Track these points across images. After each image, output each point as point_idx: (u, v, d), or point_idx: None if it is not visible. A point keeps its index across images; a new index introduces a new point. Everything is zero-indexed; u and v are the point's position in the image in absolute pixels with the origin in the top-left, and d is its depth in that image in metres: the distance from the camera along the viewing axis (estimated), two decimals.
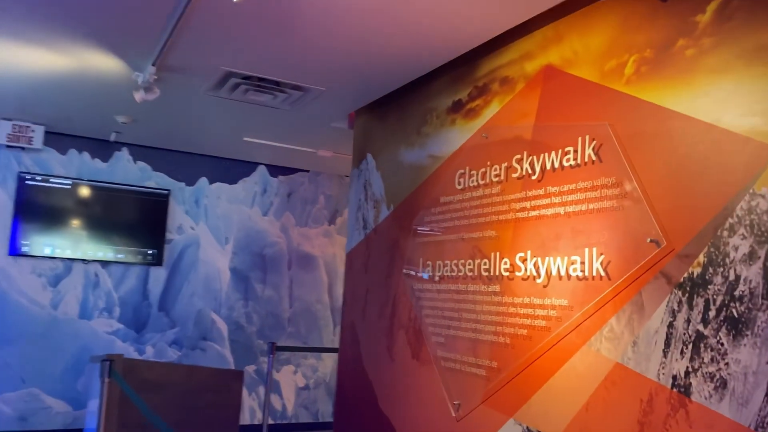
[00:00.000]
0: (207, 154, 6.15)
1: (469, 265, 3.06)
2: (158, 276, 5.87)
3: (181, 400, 4.63)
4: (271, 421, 6.17)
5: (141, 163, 5.88)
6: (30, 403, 5.29)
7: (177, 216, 5.99)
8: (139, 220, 5.74)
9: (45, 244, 5.37)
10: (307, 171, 6.62)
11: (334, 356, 6.46)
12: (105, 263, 5.65)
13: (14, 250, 5.27)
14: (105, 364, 3.33)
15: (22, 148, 5.32)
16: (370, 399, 3.84)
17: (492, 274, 2.90)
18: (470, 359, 2.98)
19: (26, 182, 5.35)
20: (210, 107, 4.44)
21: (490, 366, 2.84)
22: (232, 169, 6.27)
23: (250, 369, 6.16)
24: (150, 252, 5.76)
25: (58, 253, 5.41)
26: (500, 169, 2.93)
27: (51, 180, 5.45)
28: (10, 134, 5.05)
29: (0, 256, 5.28)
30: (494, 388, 2.79)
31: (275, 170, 6.46)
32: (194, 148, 5.99)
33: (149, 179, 5.89)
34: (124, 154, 5.82)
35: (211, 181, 6.17)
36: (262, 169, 6.41)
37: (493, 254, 2.91)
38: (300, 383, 6.38)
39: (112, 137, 5.45)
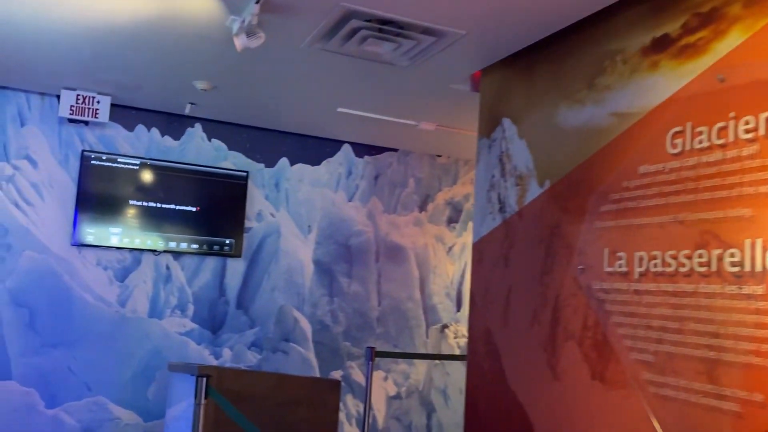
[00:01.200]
0: (288, 131, 5.42)
1: (699, 257, 2.22)
2: (236, 269, 5.18)
3: (272, 416, 3.93)
4: None
5: (216, 142, 5.19)
6: (96, 413, 4.66)
7: (256, 201, 5.28)
8: (214, 205, 5.05)
9: (111, 232, 4.72)
10: (396, 150, 5.84)
11: (427, 362, 5.68)
12: (177, 254, 4.98)
13: (77, 240, 4.64)
14: (201, 381, 2.62)
15: (86, 123, 4.67)
16: (521, 427, 3.05)
17: (745, 270, 2.06)
18: (704, 387, 2.15)
19: (91, 162, 4.71)
20: (308, 67, 3.69)
21: (747, 399, 2.00)
22: (314, 149, 5.53)
23: (336, 375, 5.44)
24: (227, 242, 5.07)
25: (126, 243, 4.76)
26: (755, 121, 2.08)
27: (118, 160, 4.79)
28: (73, 106, 4.40)
29: (62, 246, 4.66)
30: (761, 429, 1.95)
31: (361, 149, 5.70)
32: (274, 124, 5.27)
33: (224, 159, 5.20)
34: (197, 131, 5.13)
35: (293, 162, 5.44)
36: (346, 148, 5.65)
37: (747, 242, 2.07)
38: (391, 391, 5.63)
39: (187, 110, 4.75)
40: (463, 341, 5.94)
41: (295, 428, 4.05)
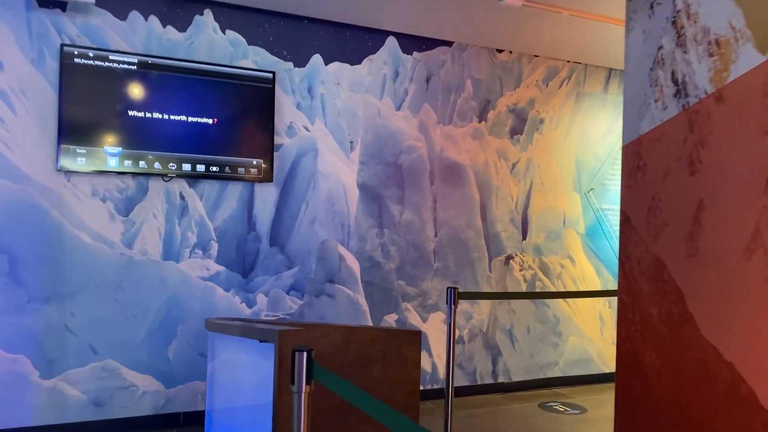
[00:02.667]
0: (320, 19, 4.29)
1: None
2: (267, 196, 4.15)
3: (342, 376, 3.00)
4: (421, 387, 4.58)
5: (231, 34, 4.05)
6: (106, 380, 3.71)
7: (286, 111, 4.21)
8: (235, 117, 3.97)
9: (108, 152, 3.64)
10: (449, 44, 4.76)
11: (489, 301, 4.79)
12: (193, 179, 3.93)
13: (64, 164, 3.56)
14: (300, 357, 1.64)
15: (62, 7, 3.51)
16: (731, 392, 2.15)
17: None
18: None
19: (74, 61, 3.57)
20: None
21: None
22: (353, 43, 4.42)
23: (390, 319, 4.53)
24: (254, 163, 4.02)
25: (128, 167, 3.69)
26: None
27: (110, 58, 3.66)
28: None
29: (45, 172, 3.58)
30: None
31: (408, 43, 4.61)
32: (303, 10, 4.14)
33: (243, 57, 4.08)
34: (206, 19, 3.98)
35: (328, 60, 4.34)
36: (391, 42, 4.55)
37: None
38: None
39: None
40: (530, 273, 5.05)
41: (372, 391, 3.17)
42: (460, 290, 4.57)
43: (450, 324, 3.55)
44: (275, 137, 4.13)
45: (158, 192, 3.85)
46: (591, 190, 5.34)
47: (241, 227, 4.08)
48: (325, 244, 4.31)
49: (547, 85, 5.14)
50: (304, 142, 4.26)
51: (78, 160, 3.57)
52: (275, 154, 4.14)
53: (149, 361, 3.81)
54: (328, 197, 4.33)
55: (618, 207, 5.47)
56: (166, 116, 3.78)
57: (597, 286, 5.36)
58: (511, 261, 4.99)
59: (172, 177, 3.85)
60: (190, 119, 3.84)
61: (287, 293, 4.19)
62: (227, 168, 3.94)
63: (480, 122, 4.87)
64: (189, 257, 3.92)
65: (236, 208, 4.07)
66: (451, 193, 4.76)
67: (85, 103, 3.58)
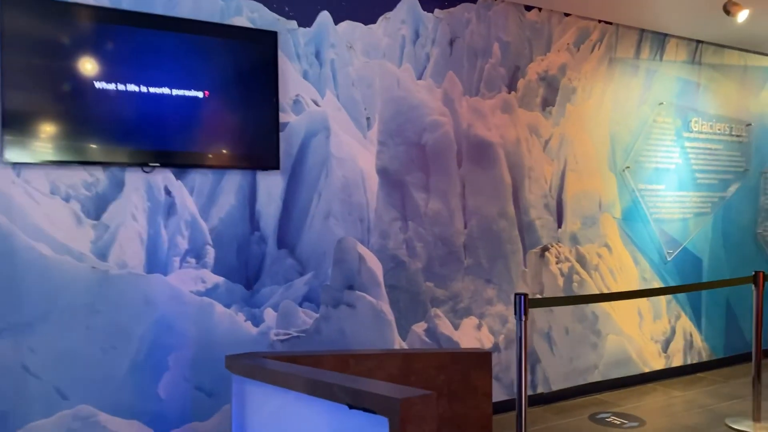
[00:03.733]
0: None
1: None
2: (272, 187, 3.36)
3: None
4: None
5: None
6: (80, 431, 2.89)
7: (290, 81, 3.41)
8: (230, 88, 3.15)
9: (69, 138, 2.78)
10: (474, 0, 4.03)
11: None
12: (181, 170, 3.11)
13: (9, 153, 2.68)
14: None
15: None
16: None
17: None
18: None
19: (20, 20, 2.68)
20: None
21: None
22: None
23: (418, 329, 3.82)
24: (255, 146, 3.21)
25: (97, 155, 2.84)
26: None
27: (71, 12, 2.78)
28: None
29: None
30: None
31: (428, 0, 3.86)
32: None
33: (237, 13, 3.26)
34: None
35: (338, 19, 3.55)
36: None
37: None
38: (487, 342, 4.08)
39: None
40: (567, 266, 4.42)
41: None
42: (493, 291, 3.89)
43: (520, 337, 2.86)
44: (280, 114, 3.33)
45: (137, 186, 3.01)
46: (627, 168, 4.72)
47: (243, 227, 3.28)
48: (343, 244, 3.55)
49: (579, 49, 4.48)
50: (313, 120, 3.48)
51: (30, 149, 2.70)
52: (280, 134, 3.34)
53: (135, 403, 2.99)
54: (343, 186, 3.56)
55: (656, 187, 4.89)
56: (144, 89, 2.93)
57: (635, 276, 4.77)
58: (546, 253, 4.34)
59: (154, 167, 3.02)
60: (175, 92, 3.00)
61: (300, 305, 3.42)
62: (223, 153, 3.12)
63: (509, 92, 4.17)
64: (179, 268, 3.10)
65: (235, 204, 3.26)
66: (480, 176, 4.05)
67: (33, 67, 2.71)
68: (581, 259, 4.49)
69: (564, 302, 3.31)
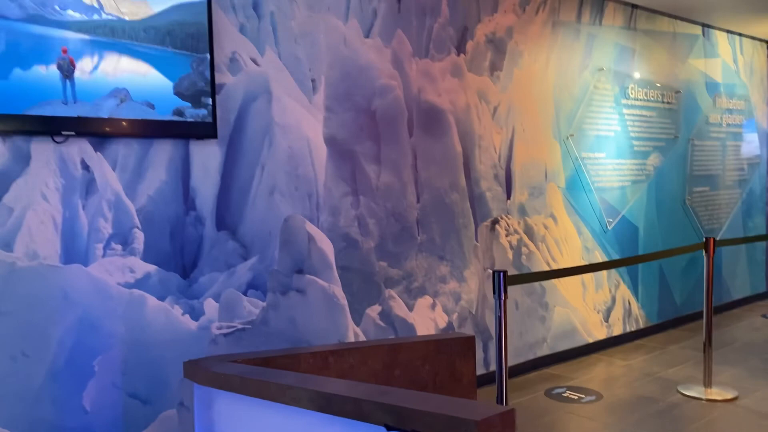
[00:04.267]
0: None
1: None
2: (208, 159, 2.91)
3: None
4: None
5: None
6: None
7: (226, 36, 2.95)
8: (160, 42, 2.66)
9: None
10: None
11: (478, 273, 3.95)
12: (100, 139, 2.60)
13: None
14: None
15: None
16: None
17: None
18: None
19: None
20: None
21: None
22: None
23: (372, 312, 3.51)
24: (188, 110, 2.75)
25: None
26: None
27: None
28: None
29: None
30: None
31: None
32: None
33: None
34: None
35: None
36: None
37: None
38: (441, 322, 3.84)
39: None
40: (516, 238, 4.24)
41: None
42: (446, 267, 3.66)
43: (500, 317, 2.63)
44: (215, 74, 2.87)
45: (47, 160, 2.48)
46: (570, 136, 4.59)
47: (176, 206, 2.82)
48: (290, 223, 3.16)
49: (524, 11, 4.26)
50: (252, 81, 3.04)
51: None
52: (216, 97, 2.89)
53: (55, 418, 2.50)
54: (289, 157, 3.16)
55: (597, 155, 4.80)
56: (52, 31, 2.40)
57: (578, 247, 4.68)
58: (496, 226, 4.14)
59: (67, 136, 2.50)
60: (95, 50, 2.49)
61: (245, 294, 3.01)
62: (150, 119, 2.64)
63: (459, 55, 3.89)
64: (103, 256, 2.61)
65: (166, 179, 2.79)
66: (432, 145, 3.77)
67: None
68: (529, 231, 4.33)
69: (542, 277, 3.12)
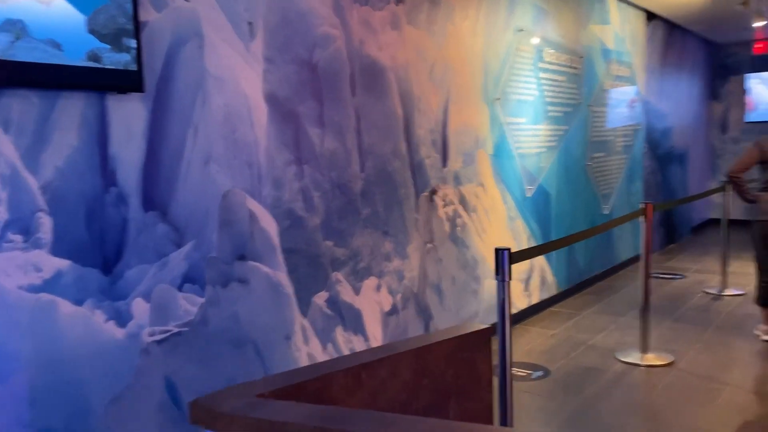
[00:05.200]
0: None
1: None
2: (131, 119, 2.25)
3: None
4: None
5: None
6: None
7: None
8: None
9: None
10: None
11: (420, 249, 3.63)
12: None
13: None
14: None
15: None
16: None
17: None
18: None
19: None
20: None
21: None
22: None
23: (319, 300, 3.04)
24: (106, 54, 2.08)
25: None
26: None
27: None
28: None
29: None
30: None
31: None
32: None
33: None
34: None
35: None
36: None
37: None
38: (386, 305, 3.46)
39: None
40: (452, 209, 3.95)
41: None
42: (390, 244, 3.28)
43: (503, 300, 2.32)
44: (139, 10, 2.20)
45: None
46: (497, 99, 4.35)
47: (92, 180, 2.15)
48: (229, 199, 2.59)
49: None
50: (181, 20, 2.40)
51: None
52: (141, 40, 2.23)
53: None
54: (225, 118, 2.57)
55: (519, 120, 4.61)
56: None
57: (503, 215, 4.49)
58: (434, 196, 3.81)
59: None
60: None
61: (180, 289, 2.41)
62: (57, 63, 1.95)
63: (397, 4, 3.45)
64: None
65: (78, 145, 2.11)
66: (374, 107, 3.32)
67: None
68: (463, 201, 4.06)
69: (540, 251, 2.85)
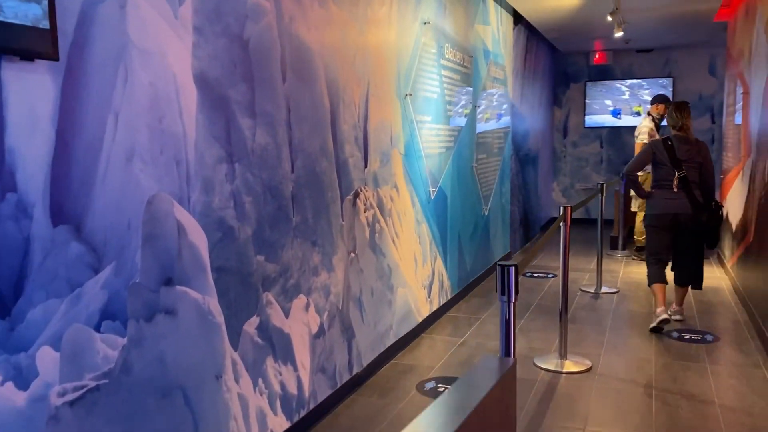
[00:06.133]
0: None
1: None
2: (37, 98, 1.61)
3: None
4: (284, 423, 2.76)
5: None
6: None
7: None
8: None
9: None
10: None
11: (344, 260, 3.25)
12: None
13: None
14: None
15: None
16: None
17: None
18: None
19: None
20: None
21: None
22: None
23: (250, 328, 2.51)
24: (10, 4, 1.43)
25: None
26: None
27: None
28: None
29: None
30: None
31: None
32: None
33: None
34: None
35: None
36: None
37: None
38: (314, 326, 3.00)
39: None
40: (371, 214, 3.59)
41: None
42: (318, 255, 2.86)
43: (507, 322, 2.01)
44: None
45: None
46: (409, 95, 4.05)
47: None
48: (155, 206, 2.00)
49: None
50: None
51: None
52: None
53: None
54: (152, 102, 1.98)
55: (425, 118, 4.35)
56: None
57: (412, 219, 4.22)
58: (357, 200, 3.41)
59: None
60: None
61: (97, 329, 1.80)
62: None
63: None
64: None
65: None
66: (303, 97, 2.85)
67: None
68: (380, 204, 3.71)
69: (534, 255, 2.52)
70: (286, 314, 2.75)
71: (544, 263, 6.94)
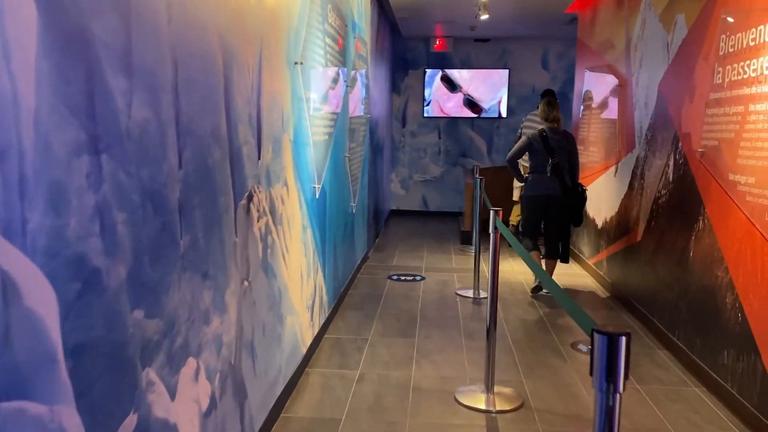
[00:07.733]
0: None
1: None
2: None
3: None
4: None
5: None
6: None
7: None
8: None
9: None
10: None
11: (237, 296, 2.29)
12: None
13: None
14: None
15: None
16: None
17: None
18: None
19: None
20: None
21: None
22: None
23: (126, 431, 1.47)
24: None
25: None
26: None
27: None
28: None
29: None
30: None
31: None
32: None
33: None
34: None
35: None
36: None
37: None
38: (204, 401, 1.99)
39: None
40: (264, 223, 2.63)
41: None
42: (210, 292, 1.92)
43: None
44: None
45: None
46: (300, 63, 3.12)
47: None
48: None
49: None
50: None
51: None
52: None
53: None
54: None
55: (314, 96, 3.43)
56: None
57: (299, 226, 3.30)
58: (251, 205, 2.43)
59: None
60: None
61: None
62: None
63: None
64: None
65: None
66: (192, 45, 1.82)
67: None
68: (273, 209, 2.75)
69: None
70: (173, 395, 1.73)
71: (403, 263, 6.35)
